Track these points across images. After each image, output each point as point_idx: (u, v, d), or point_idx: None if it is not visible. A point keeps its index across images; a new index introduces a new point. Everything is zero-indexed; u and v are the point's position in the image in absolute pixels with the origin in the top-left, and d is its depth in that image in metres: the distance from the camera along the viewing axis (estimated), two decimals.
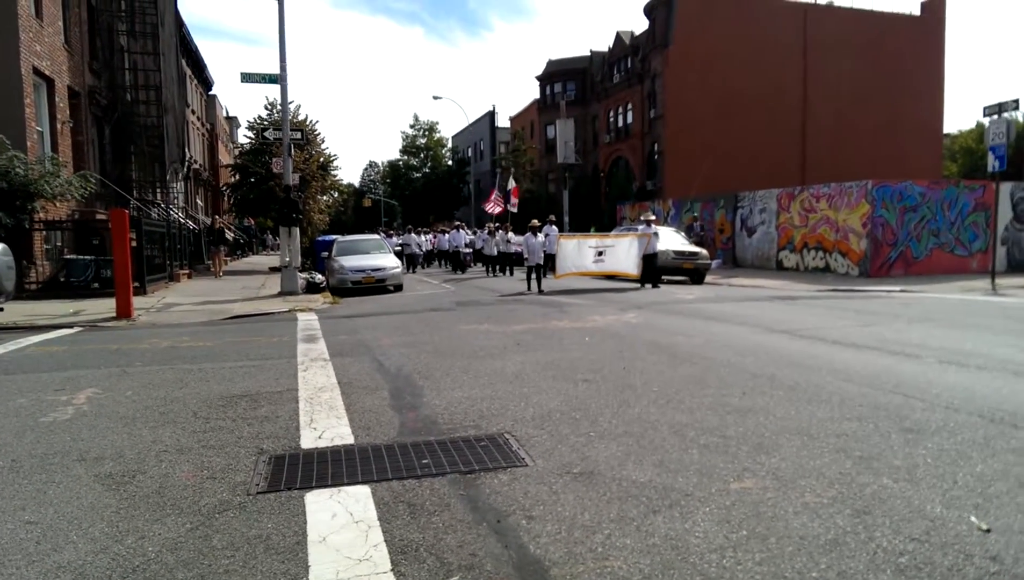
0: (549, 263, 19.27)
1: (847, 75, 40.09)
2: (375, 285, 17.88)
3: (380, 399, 5.81)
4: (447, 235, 30.81)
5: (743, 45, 38.19)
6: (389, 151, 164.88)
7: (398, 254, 27.31)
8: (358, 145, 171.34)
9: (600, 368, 6.86)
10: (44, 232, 17.00)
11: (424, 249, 32.64)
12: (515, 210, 29.85)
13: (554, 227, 21.91)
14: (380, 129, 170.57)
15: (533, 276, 17.39)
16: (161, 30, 24.87)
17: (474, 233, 31.60)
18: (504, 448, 4.38)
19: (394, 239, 32.30)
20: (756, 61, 38.50)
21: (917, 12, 42.89)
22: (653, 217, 19.47)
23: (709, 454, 4.18)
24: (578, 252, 17.83)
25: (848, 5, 41.86)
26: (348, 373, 6.91)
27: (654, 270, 17.71)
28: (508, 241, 24.48)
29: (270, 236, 60.05)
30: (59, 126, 18.81)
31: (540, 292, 16.39)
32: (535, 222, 19.07)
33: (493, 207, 30.45)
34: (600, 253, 17.75)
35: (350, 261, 18.49)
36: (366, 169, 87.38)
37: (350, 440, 4.63)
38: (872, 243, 19.23)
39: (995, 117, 16.11)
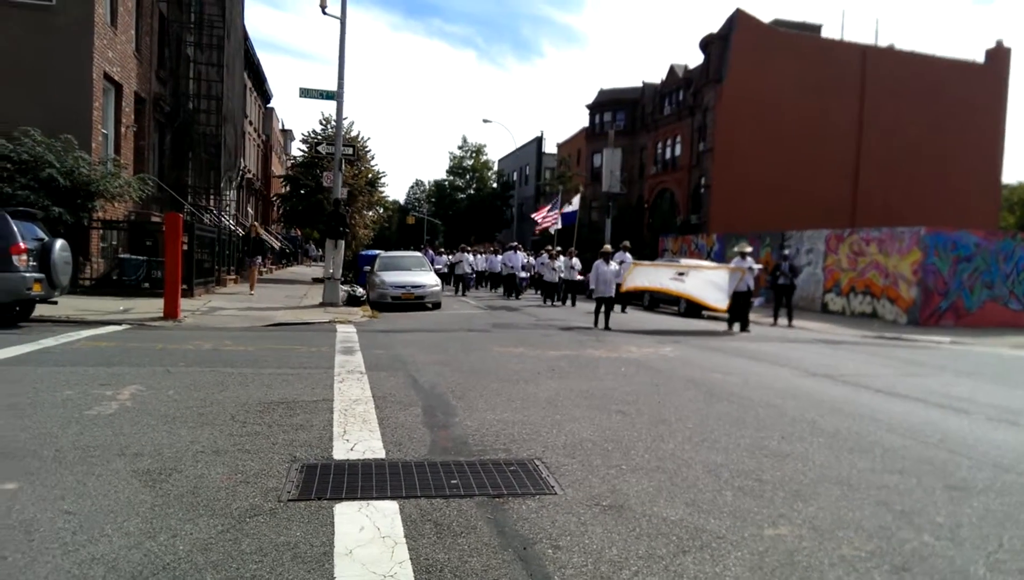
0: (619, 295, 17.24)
1: (904, 119, 39.34)
2: (414, 301, 18.04)
3: (413, 415, 5.83)
4: (500, 256, 27.99)
5: (798, 84, 37.81)
6: (435, 170, 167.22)
7: (444, 274, 26.97)
8: (405, 163, 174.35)
9: (635, 400, 6.78)
10: (101, 231, 17.62)
11: (476, 270, 29.70)
12: (556, 227, 28.70)
13: (628, 254, 19.85)
14: (427, 148, 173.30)
15: (602, 310, 14.95)
16: (227, 43, 25.80)
17: (536, 255, 28.11)
18: (534, 474, 4.35)
19: (444, 257, 31.09)
20: (811, 100, 38.04)
21: (981, 60, 41.99)
22: (749, 249, 16.25)
23: (744, 497, 4.08)
24: (654, 272, 16.54)
25: (909, 49, 41.21)
26: (383, 387, 6.96)
27: (746, 309, 15.41)
28: (572, 267, 21.68)
29: (313, 247, 61.17)
30: (123, 130, 19.59)
31: (607, 329, 14.33)
32: (607, 247, 16.61)
33: (548, 221, 28.10)
34: (680, 273, 16.03)
35: (391, 277, 18.70)
36: (412, 187, 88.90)
37: (381, 454, 4.66)
38: (922, 291, 18.70)
39: None
